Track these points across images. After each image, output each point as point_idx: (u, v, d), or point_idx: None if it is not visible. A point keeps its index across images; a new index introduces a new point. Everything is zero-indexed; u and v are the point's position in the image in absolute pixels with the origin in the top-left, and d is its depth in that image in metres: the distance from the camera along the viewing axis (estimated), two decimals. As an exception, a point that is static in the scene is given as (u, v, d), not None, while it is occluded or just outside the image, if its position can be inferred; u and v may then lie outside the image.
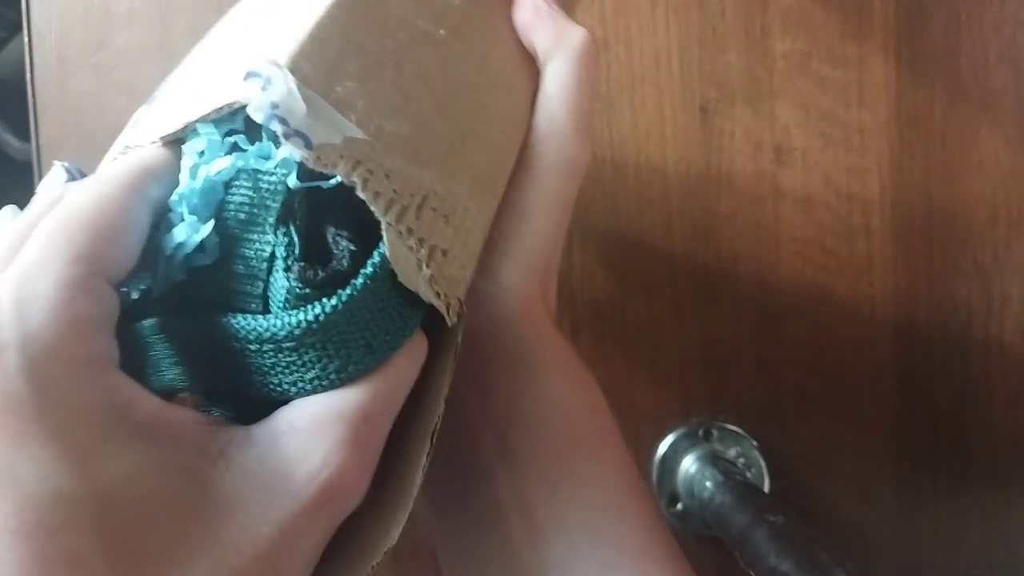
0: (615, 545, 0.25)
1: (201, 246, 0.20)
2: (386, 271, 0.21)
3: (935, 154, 0.40)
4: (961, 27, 0.40)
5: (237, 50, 0.24)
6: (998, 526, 0.41)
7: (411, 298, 0.21)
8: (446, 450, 0.25)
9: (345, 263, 0.20)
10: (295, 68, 0.19)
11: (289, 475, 0.19)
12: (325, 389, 0.20)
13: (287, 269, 0.20)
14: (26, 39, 0.42)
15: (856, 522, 0.41)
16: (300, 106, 0.18)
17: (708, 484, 0.37)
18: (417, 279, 0.20)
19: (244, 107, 0.19)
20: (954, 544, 0.41)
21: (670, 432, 0.41)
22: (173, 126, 0.21)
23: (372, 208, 0.19)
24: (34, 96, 0.42)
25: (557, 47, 0.28)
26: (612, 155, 0.40)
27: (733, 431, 0.41)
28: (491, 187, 0.25)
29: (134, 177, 0.20)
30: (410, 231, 0.20)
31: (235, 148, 0.21)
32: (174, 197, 0.20)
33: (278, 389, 0.20)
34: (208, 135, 0.21)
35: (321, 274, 0.20)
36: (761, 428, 0.40)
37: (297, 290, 0.19)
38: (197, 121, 0.20)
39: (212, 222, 0.20)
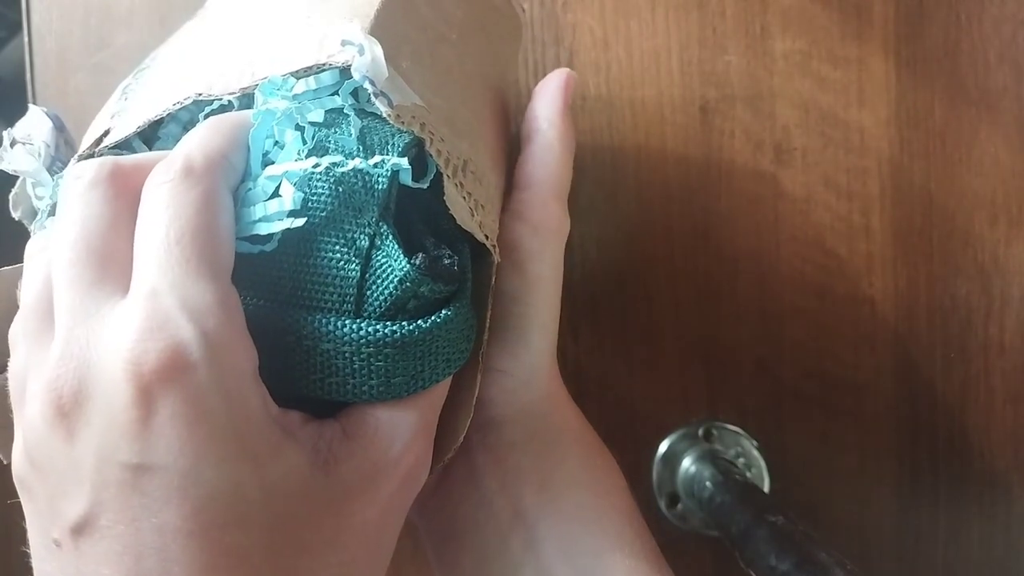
0: None
1: (269, 235, 0.21)
2: (469, 287, 0.23)
3: (935, 154, 0.40)
4: (961, 27, 0.40)
5: (270, 22, 0.24)
6: (998, 526, 0.41)
7: (474, 319, 0.23)
8: (470, 535, 0.27)
9: (456, 267, 0.22)
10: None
11: (381, 464, 0.21)
12: (403, 396, 0.21)
13: (409, 257, 0.21)
14: (26, 39, 0.42)
15: (856, 522, 0.41)
16: (384, 72, 0.21)
17: (708, 484, 0.37)
18: (471, 223, 0.23)
19: (328, 68, 0.21)
20: (954, 544, 0.41)
21: (670, 432, 0.41)
22: (234, 83, 0.22)
23: (437, 162, 0.21)
24: (34, 96, 0.42)
25: (551, 124, 0.29)
26: (612, 155, 0.40)
27: (733, 431, 0.41)
28: (499, 166, 0.28)
29: (223, 168, 0.21)
30: (462, 184, 0.22)
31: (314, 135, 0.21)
32: (275, 172, 0.21)
33: (354, 393, 0.21)
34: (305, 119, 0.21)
35: (448, 262, 0.21)
36: (761, 428, 0.40)
37: (415, 277, 0.20)
38: (282, 75, 0.21)
39: (298, 209, 0.20)
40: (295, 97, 0.21)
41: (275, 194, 0.20)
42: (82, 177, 0.20)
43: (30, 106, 0.24)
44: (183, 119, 0.23)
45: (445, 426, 0.24)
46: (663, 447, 0.41)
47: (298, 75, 0.21)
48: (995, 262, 0.40)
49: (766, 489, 0.40)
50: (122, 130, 0.23)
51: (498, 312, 0.26)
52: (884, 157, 0.40)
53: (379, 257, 0.21)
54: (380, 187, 0.21)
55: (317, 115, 0.21)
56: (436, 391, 0.22)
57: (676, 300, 0.40)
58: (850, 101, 0.40)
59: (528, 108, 0.30)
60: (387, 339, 0.20)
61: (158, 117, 0.22)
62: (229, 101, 0.22)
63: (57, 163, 0.25)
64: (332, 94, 0.21)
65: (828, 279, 0.40)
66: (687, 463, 0.40)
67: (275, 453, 0.19)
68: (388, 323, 0.20)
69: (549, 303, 0.28)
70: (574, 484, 0.27)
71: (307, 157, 0.21)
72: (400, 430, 0.21)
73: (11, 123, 0.25)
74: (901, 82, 0.40)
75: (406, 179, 0.21)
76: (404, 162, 0.20)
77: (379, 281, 0.21)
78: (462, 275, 0.22)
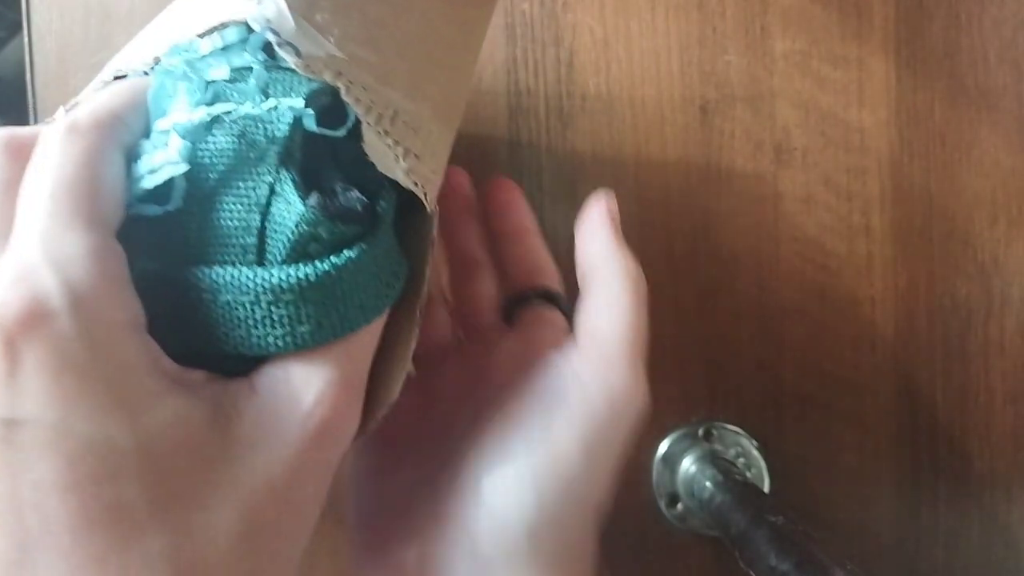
0: None
1: (166, 191, 0.20)
2: (387, 231, 0.22)
3: (935, 154, 0.40)
4: (961, 27, 0.40)
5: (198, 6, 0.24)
6: (998, 526, 0.41)
7: (397, 266, 0.22)
8: None
9: (360, 207, 0.21)
10: None
11: (290, 418, 0.20)
12: (311, 345, 0.20)
13: (303, 199, 0.20)
14: (26, 39, 0.42)
15: (856, 522, 0.41)
16: (289, 22, 0.20)
17: (708, 484, 0.37)
18: (395, 170, 0.22)
19: (230, 26, 0.20)
20: (954, 544, 0.41)
21: (670, 432, 0.41)
22: (152, 52, 0.21)
23: (356, 110, 0.21)
24: (34, 96, 0.42)
25: (612, 270, 0.26)
26: (612, 155, 0.40)
27: (733, 431, 0.41)
28: (447, 120, 0.26)
29: (110, 126, 0.20)
30: (386, 132, 0.22)
31: (214, 94, 0.21)
32: (164, 126, 0.20)
33: (260, 345, 0.20)
34: (186, 71, 0.21)
35: (342, 203, 0.20)
36: (761, 428, 0.40)
37: (311, 218, 0.20)
38: (186, 40, 0.21)
39: (185, 162, 0.20)
40: (202, 58, 0.21)
41: (169, 152, 0.20)
42: None
43: None
44: None
45: (378, 382, 0.23)
46: (663, 447, 0.41)
47: (203, 35, 0.21)
48: (995, 262, 0.40)
49: (766, 489, 0.40)
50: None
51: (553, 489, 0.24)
52: (884, 157, 0.40)
53: (277, 204, 0.20)
54: (280, 134, 0.20)
55: (222, 71, 0.21)
56: (356, 341, 0.21)
57: (676, 300, 0.40)
58: (850, 101, 0.40)
59: (576, 251, 0.27)
60: (283, 284, 0.20)
61: (78, 102, 0.22)
62: (144, 73, 0.22)
63: None
64: (243, 52, 0.21)
65: (828, 279, 0.40)
66: (687, 463, 0.40)
67: (154, 404, 0.19)
68: (285, 267, 0.20)
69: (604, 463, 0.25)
70: None
71: (199, 108, 0.20)
72: (312, 381, 0.20)
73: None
74: (901, 82, 0.40)
75: (310, 124, 0.21)
76: (299, 103, 0.20)
77: (278, 228, 0.20)
78: (371, 217, 0.21)
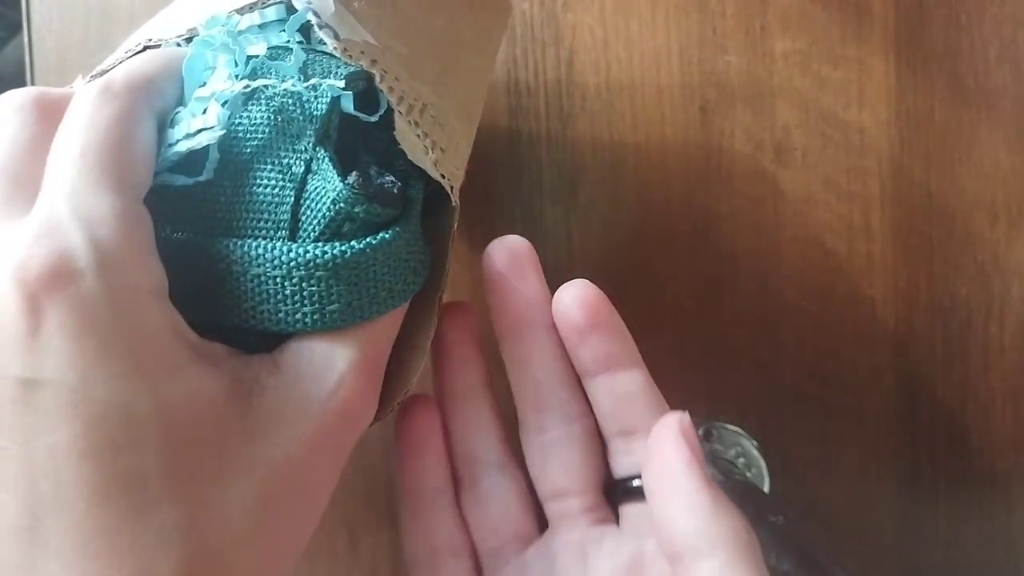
0: None
1: (198, 162, 0.20)
2: (416, 218, 0.22)
3: (935, 154, 0.40)
4: (961, 27, 0.40)
5: None
6: (998, 526, 0.41)
7: (423, 255, 0.22)
8: None
9: (395, 191, 0.21)
10: None
11: (312, 397, 0.20)
12: (339, 326, 0.20)
13: (342, 177, 0.20)
14: (26, 39, 0.42)
15: (856, 522, 0.41)
16: (329, 5, 0.20)
17: (708, 484, 0.37)
18: (424, 159, 0.22)
19: (271, 4, 0.20)
20: (954, 544, 0.41)
21: (670, 432, 0.41)
22: (186, 24, 0.21)
23: (388, 98, 0.21)
24: (34, 96, 0.41)
25: (716, 535, 0.21)
26: (612, 155, 0.40)
27: (733, 431, 0.41)
28: (469, 119, 0.27)
29: (145, 90, 0.20)
30: (416, 123, 0.22)
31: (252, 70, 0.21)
32: (204, 94, 0.20)
33: (287, 321, 0.20)
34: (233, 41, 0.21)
35: (378, 185, 0.20)
36: (761, 428, 0.40)
37: (349, 196, 0.20)
38: (226, 12, 0.21)
39: (220, 131, 0.20)
40: (240, 32, 0.21)
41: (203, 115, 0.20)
42: (8, 103, 0.20)
43: None
44: None
45: (396, 369, 0.23)
46: (663, 447, 0.41)
47: (242, 11, 0.21)
48: (995, 262, 0.40)
49: (766, 489, 0.40)
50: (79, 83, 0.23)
51: None
52: (884, 157, 0.40)
53: (314, 181, 0.20)
54: (319, 113, 0.20)
55: (259, 48, 0.21)
56: (380, 326, 0.21)
57: (676, 300, 0.40)
58: (850, 101, 0.40)
59: (654, 516, 0.22)
60: (317, 260, 0.20)
61: (111, 67, 0.22)
62: (178, 43, 0.22)
63: None
64: (280, 31, 0.21)
65: (828, 279, 0.40)
66: (687, 463, 0.40)
67: (177, 374, 0.18)
68: (320, 244, 0.20)
69: None
70: None
71: (241, 81, 0.20)
72: (335, 362, 0.20)
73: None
74: (901, 82, 0.40)
75: (347, 106, 0.21)
76: (340, 85, 0.20)
77: (313, 204, 0.20)
78: (405, 201, 0.21)
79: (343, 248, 0.20)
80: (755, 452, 0.40)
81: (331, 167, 0.20)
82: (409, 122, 0.21)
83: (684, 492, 0.22)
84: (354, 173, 0.20)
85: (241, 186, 0.20)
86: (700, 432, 0.42)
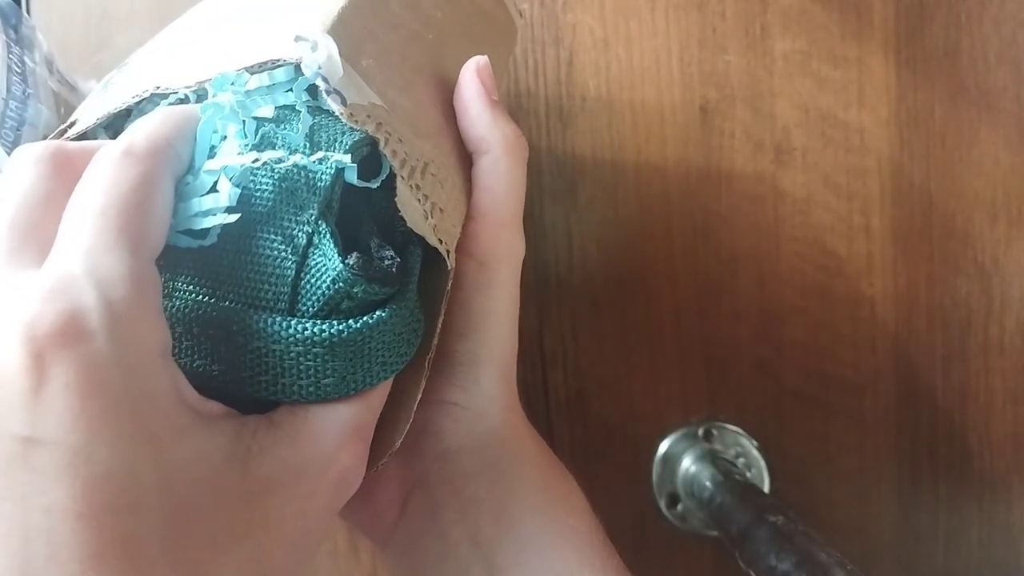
0: None
1: (204, 230, 0.20)
2: (414, 289, 0.22)
3: (935, 154, 0.40)
4: (961, 27, 0.40)
5: (240, 22, 0.24)
6: (998, 526, 0.41)
7: (417, 324, 0.23)
8: (432, 568, 0.26)
9: (394, 269, 0.21)
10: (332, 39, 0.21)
11: (310, 462, 0.20)
12: (332, 397, 0.21)
13: (343, 256, 0.20)
14: (26, 39, 0.42)
15: (856, 522, 0.41)
16: (338, 69, 0.20)
17: (708, 484, 0.37)
18: (424, 226, 0.22)
19: (281, 65, 0.21)
20: (954, 544, 0.41)
21: (670, 432, 0.41)
22: (190, 77, 0.21)
23: (391, 163, 0.21)
24: (34, 96, 0.41)
25: (492, 138, 0.27)
26: (612, 155, 0.40)
27: (733, 431, 0.41)
28: (465, 170, 0.27)
29: (165, 155, 0.20)
30: (418, 187, 0.22)
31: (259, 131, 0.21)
32: (214, 167, 0.20)
33: (283, 392, 0.20)
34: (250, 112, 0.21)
35: (384, 263, 0.21)
36: (761, 428, 0.40)
37: (349, 278, 0.20)
38: (235, 70, 0.21)
39: (232, 204, 0.20)
40: (248, 93, 0.21)
41: (213, 188, 0.20)
42: (26, 156, 0.20)
43: None
44: (148, 111, 0.23)
45: (383, 430, 0.23)
46: (663, 447, 0.41)
47: (252, 70, 0.21)
48: (995, 262, 0.40)
49: (766, 489, 0.40)
50: (85, 121, 0.23)
51: (446, 346, 0.25)
52: (884, 157, 0.40)
53: (315, 256, 0.20)
54: (323, 184, 0.20)
55: (267, 111, 0.21)
56: (374, 393, 0.22)
57: (676, 300, 0.40)
58: (850, 101, 0.40)
59: (460, 132, 0.27)
60: (315, 339, 0.20)
61: (117, 110, 0.22)
62: (185, 95, 0.22)
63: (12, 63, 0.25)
64: (287, 91, 0.21)
65: (828, 279, 0.40)
66: (687, 463, 0.40)
67: (180, 438, 0.18)
68: (318, 322, 0.20)
69: (500, 337, 0.26)
70: (530, 510, 0.27)
71: (250, 151, 0.20)
72: (332, 427, 0.21)
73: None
74: (901, 82, 0.40)
75: (351, 178, 0.21)
76: (347, 159, 0.20)
77: (313, 280, 0.20)
78: (402, 277, 0.22)
79: (340, 327, 0.20)
80: (755, 452, 0.40)
81: (331, 244, 0.20)
82: (411, 186, 0.22)
83: (471, 110, 0.27)
84: (355, 254, 0.20)
85: (244, 252, 0.20)
86: (700, 432, 0.42)
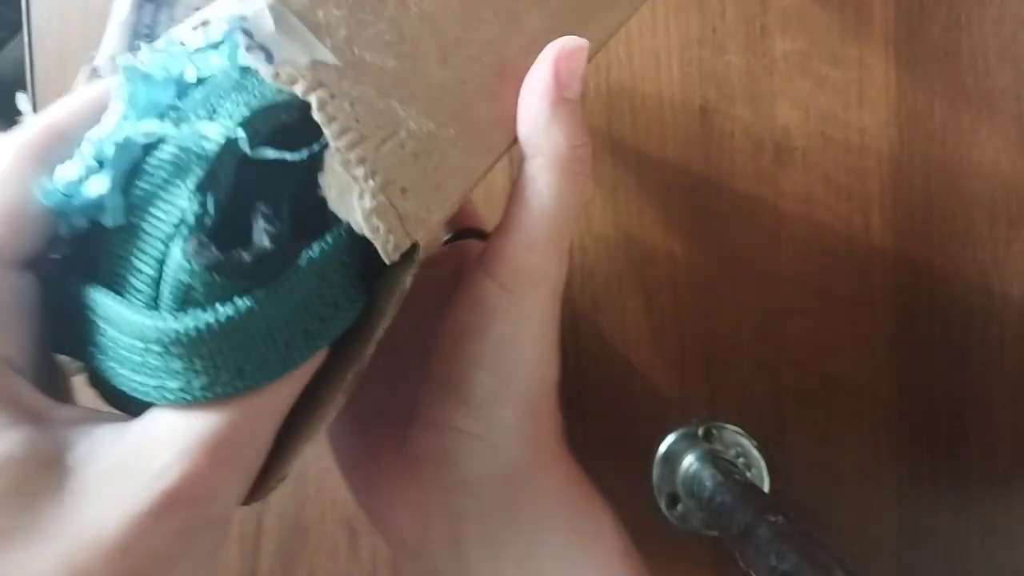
0: None
1: (102, 204, 0.19)
2: (305, 280, 0.19)
3: (935, 154, 0.40)
4: (961, 27, 0.40)
5: None
6: (998, 526, 0.41)
7: (317, 323, 0.20)
8: None
9: (249, 258, 0.18)
10: None
11: (136, 477, 0.19)
12: (179, 403, 0.19)
13: (184, 243, 0.18)
14: (26, 39, 0.42)
15: (856, 522, 0.41)
16: (268, 22, 0.18)
17: (708, 484, 0.37)
18: (351, 207, 0.19)
19: (211, 23, 0.19)
20: (954, 544, 0.41)
21: (670, 432, 0.41)
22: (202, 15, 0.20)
23: (325, 131, 0.19)
24: (34, 96, 0.42)
25: (542, 143, 0.24)
26: (612, 155, 0.40)
27: (733, 431, 0.41)
28: (481, 142, 0.23)
29: (38, 146, 0.20)
30: (362, 160, 0.19)
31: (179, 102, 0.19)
32: (93, 136, 0.19)
33: (135, 390, 0.19)
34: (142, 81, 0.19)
35: (246, 255, 0.18)
36: (761, 428, 0.40)
37: (186, 267, 0.18)
38: (180, 33, 0.19)
39: (110, 180, 0.18)
40: (187, 54, 0.19)
41: (94, 165, 0.19)
42: None
43: None
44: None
45: (278, 450, 0.21)
46: (663, 447, 0.41)
47: (195, 28, 0.20)
48: (995, 262, 0.40)
49: (766, 489, 0.40)
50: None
51: (459, 372, 0.24)
52: (884, 157, 0.40)
53: (176, 241, 0.18)
54: (208, 156, 0.18)
55: (192, 72, 0.19)
56: (243, 403, 0.19)
57: (676, 300, 0.40)
58: (850, 101, 0.40)
59: (518, 118, 0.24)
60: (147, 334, 0.18)
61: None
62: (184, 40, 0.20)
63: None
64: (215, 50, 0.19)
65: (828, 279, 0.40)
66: (687, 463, 0.40)
67: None
68: (152, 316, 0.18)
69: (521, 368, 0.24)
70: (557, 558, 0.25)
71: (141, 121, 0.19)
72: (173, 436, 0.19)
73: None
74: (901, 82, 0.40)
75: (244, 148, 0.18)
76: (214, 128, 0.18)
77: (168, 269, 0.19)
78: (270, 269, 0.19)
79: (171, 326, 0.18)
80: (755, 452, 0.40)
81: (194, 224, 0.18)
82: (349, 160, 0.19)
83: (529, 105, 0.24)
84: (194, 240, 0.18)
85: (124, 233, 0.19)
86: (700, 432, 0.42)
